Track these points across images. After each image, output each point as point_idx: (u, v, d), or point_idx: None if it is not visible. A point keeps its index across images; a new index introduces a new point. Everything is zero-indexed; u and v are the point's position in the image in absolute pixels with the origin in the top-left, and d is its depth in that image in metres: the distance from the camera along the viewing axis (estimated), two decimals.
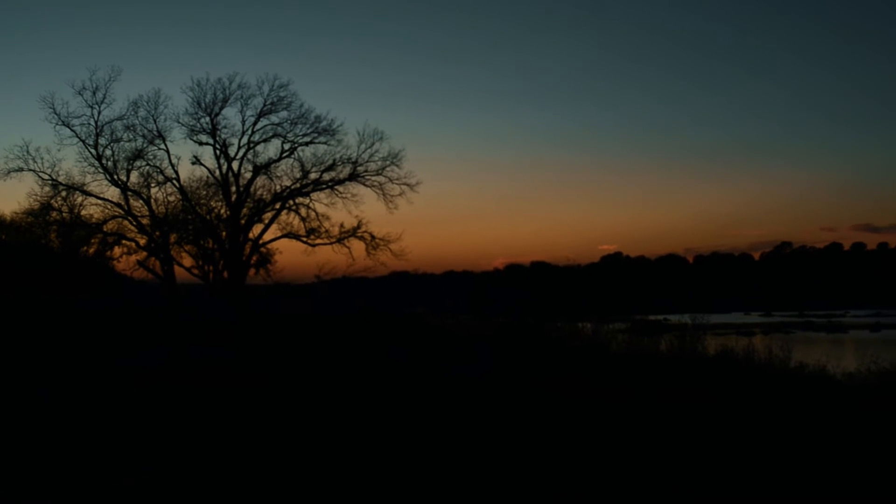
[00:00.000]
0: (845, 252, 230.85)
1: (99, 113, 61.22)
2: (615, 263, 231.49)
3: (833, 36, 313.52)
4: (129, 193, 62.62)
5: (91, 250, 66.67)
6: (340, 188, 63.40)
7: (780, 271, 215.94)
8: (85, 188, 62.36)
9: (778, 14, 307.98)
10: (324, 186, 63.54)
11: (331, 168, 63.24)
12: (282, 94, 62.49)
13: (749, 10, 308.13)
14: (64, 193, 62.85)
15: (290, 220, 64.59)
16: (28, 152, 60.67)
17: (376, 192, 63.73)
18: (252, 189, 63.85)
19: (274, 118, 62.96)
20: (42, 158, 61.44)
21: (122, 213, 63.14)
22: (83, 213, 64.15)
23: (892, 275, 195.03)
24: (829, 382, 26.41)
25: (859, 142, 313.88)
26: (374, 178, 63.38)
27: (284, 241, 65.27)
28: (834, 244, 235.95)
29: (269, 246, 66.10)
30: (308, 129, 62.98)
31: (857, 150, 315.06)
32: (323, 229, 64.35)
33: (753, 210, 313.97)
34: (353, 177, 63.20)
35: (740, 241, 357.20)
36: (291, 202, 64.04)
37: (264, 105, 62.32)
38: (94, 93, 60.59)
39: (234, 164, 63.27)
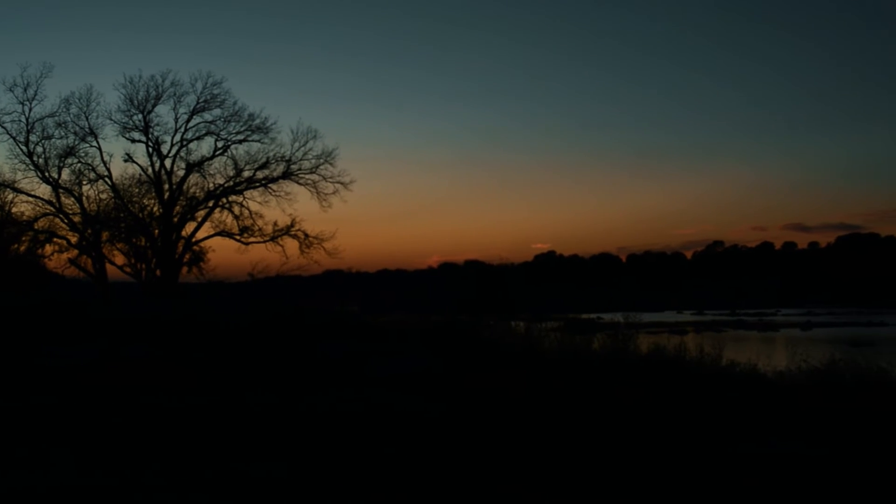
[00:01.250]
0: (776, 251, 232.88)
1: (30, 110, 60.47)
2: (549, 262, 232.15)
3: (772, 34, 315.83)
4: (61, 191, 61.95)
5: (22, 248, 65.96)
6: (274, 186, 63.11)
7: (713, 270, 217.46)
8: (15, 185, 61.64)
9: (718, 11, 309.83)
10: (257, 184, 63.22)
11: (264, 166, 62.93)
12: (215, 92, 62.09)
13: (689, 7, 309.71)
14: None
15: (224, 218, 64.24)
16: None
17: (310, 191, 63.50)
18: (185, 187, 63.42)
19: (207, 116, 62.55)
20: None
21: (54, 210, 62.45)
22: (14, 210, 63.45)
23: (822, 274, 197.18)
24: (759, 380, 26.60)
25: (789, 142, 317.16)
26: (307, 176, 63.16)
27: (217, 239, 64.90)
28: (765, 243, 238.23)
29: (201, 244, 65.71)
30: (241, 126, 62.65)
31: (788, 150, 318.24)
32: (256, 228, 64.05)
33: (686, 209, 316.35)
34: (287, 175, 62.94)
35: (673, 240, 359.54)
36: (225, 200, 63.68)
37: (197, 103, 61.88)
38: (24, 89, 59.85)
39: (167, 162, 62.81)
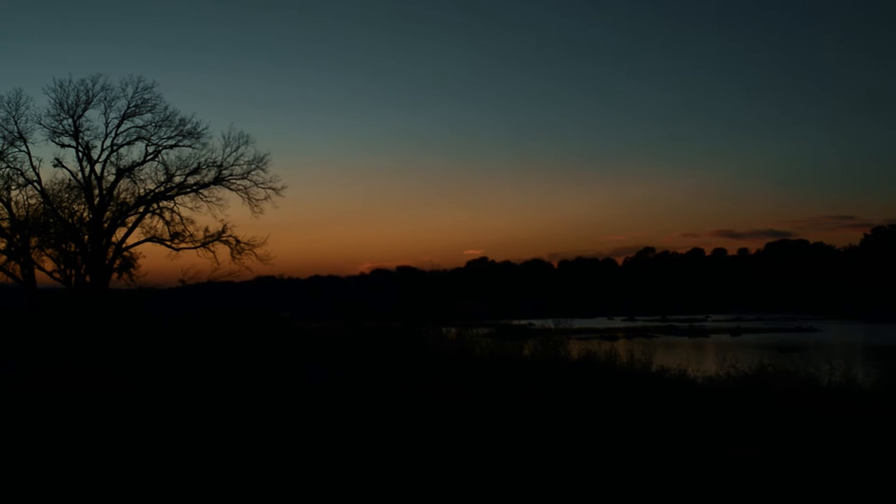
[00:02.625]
0: (707, 258, 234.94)
1: None
2: (481, 268, 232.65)
3: (707, 38, 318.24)
4: None
5: None
6: (205, 192, 62.94)
7: (644, 276, 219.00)
8: None
9: (652, 14, 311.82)
10: (188, 190, 62.98)
11: (196, 172, 62.72)
12: (146, 97, 61.80)
13: (621, 10, 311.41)
14: None
15: (154, 223, 63.95)
16: None
17: (241, 196, 63.42)
18: (115, 192, 63.05)
19: (138, 121, 62.26)
20: None
21: None
22: None
23: (752, 280, 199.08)
24: (689, 386, 26.76)
25: (720, 149, 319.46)
26: (239, 181, 63.05)
27: (148, 245, 64.65)
28: (696, 250, 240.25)
29: (132, 250, 65.37)
30: (173, 132, 62.40)
31: (719, 156, 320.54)
32: (187, 233, 63.84)
33: (618, 215, 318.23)
34: (219, 181, 62.75)
35: (605, 246, 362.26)
36: (155, 206, 63.34)
37: (128, 107, 61.57)
38: None
39: (98, 167, 62.47)
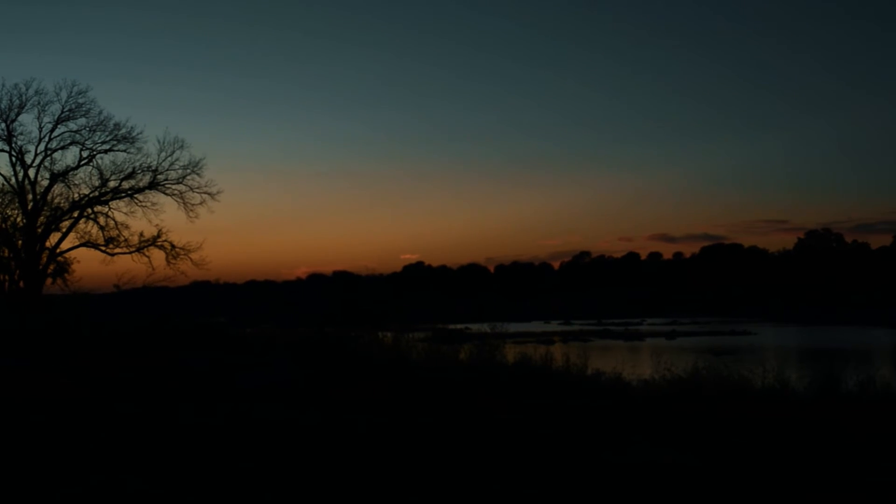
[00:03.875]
0: (642, 261, 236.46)
1: None
2: (417, 273, 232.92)
3: (636, 39, 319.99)
4: None
5: None
6: (140, 197, 62.35)
7: (580, 281, 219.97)
8: None
9: (592, 15, 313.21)
10: (123, 195, 62.40)
11: (130, 176, 62.14)
12: (80, 101, 61.16)
13: (560, 12, 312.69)
14: None
15: (89, 228, 63.29)
16: None
17: (177, 201, 62.89)
18: (49, 197, 62.35)
19: (72, 125, 61.59)
20: None
21: None
22: None
23: (687, 284, 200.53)
24: (624, 389, 26.91)
25: (654, 152, 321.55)
26: (174, 186, 62.54)
27: (83, 250, 63.91)
28: (631, 254, 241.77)
29: (66, 255, 64.67)
30: (107, 136, 61.81)
31: (653, 160, 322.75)
32: (122, 238, 63.21)
33: (554, 220, 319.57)
34: (153, 185, 62.24)
35: (541, 250, 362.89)
36: (90, 210, 62.73)
37: (62, 112, 60.88)
38: None
39: (31, 172, 61.67)
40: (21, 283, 62.07)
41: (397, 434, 18.10)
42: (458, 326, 75.27)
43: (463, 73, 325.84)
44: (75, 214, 62.75)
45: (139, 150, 62.47)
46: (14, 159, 61.42)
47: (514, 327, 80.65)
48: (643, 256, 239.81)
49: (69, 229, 62.85)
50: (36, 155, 61.53)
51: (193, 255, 64.06)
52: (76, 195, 62.69)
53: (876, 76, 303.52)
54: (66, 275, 65.02)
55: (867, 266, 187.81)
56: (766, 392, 25.14)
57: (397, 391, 25.27)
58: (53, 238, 62.97)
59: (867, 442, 17.45)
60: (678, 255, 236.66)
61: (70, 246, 63.82)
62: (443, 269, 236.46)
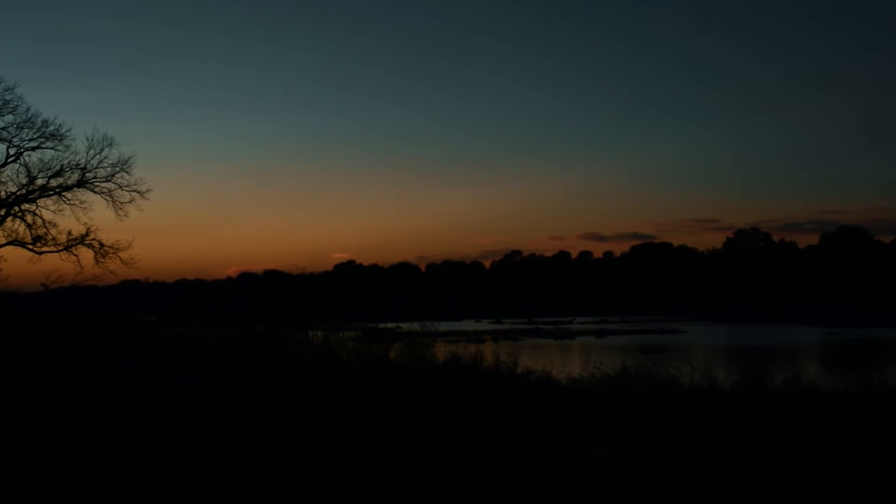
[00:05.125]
0: (573, 260, 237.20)
1: None
2: (348, 272, 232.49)
3: (570, 36, 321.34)
4: None
5: None
6: (68, 195, 61.48)
7: (511, 279, 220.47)
8: None
9: (524, 12, 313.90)
10: (51, 193, 61.55)
11: (58, 174, 61.29)
12: (7, 98, 60.25)
13: (488, 9, 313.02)
14: None
15: (16, 227, 62.30)
16: None
17: (105, 199, 62.02)
18: None
19: None
20: None
21: None
22: None
23: (617, 283, 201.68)
24: (553, 387, 27.01)
25: (586, 152, 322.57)
26: (103, 184, 61.68)
27: (9, 248, 62.88)
28: (562, 252, 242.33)
29: None
30: (35, 133, 60.88)
31: (583, 159, 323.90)
32: (50, 237, 62.26)
33: (485, 218, 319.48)
34: (82, 183, 61.43)
35: (472, 249, 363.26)
36: (17, 209, 61.84)
37: None
38: None
39: None
40: None
41: (322, 433, 18.06)
42: (390, 325, 75.28)
43: (394, 71, 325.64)
44: (2, 213, 61.93)
45: (67, 147, 61.59)
46: None
47: (445, 326, 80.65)
48: (574, 255, 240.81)
49: None
50: None
51: (123, 254, 63.25)
52: (3, 193, 61.81)
53: (810, 76, 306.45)
54: None
55: (794, 265, 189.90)
56: (695, 390, 25.35)
57: (327, 391, 25.22)
58: None
59: (793, 439, 17.63)
60: (608, 254, 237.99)
61: None
62: (374, 268, 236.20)
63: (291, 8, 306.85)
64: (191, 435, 17.71)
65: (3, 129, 60.55)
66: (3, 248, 63.31)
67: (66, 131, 61.24)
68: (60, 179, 61.26)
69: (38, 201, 61.81)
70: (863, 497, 13.00)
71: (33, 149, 61.02)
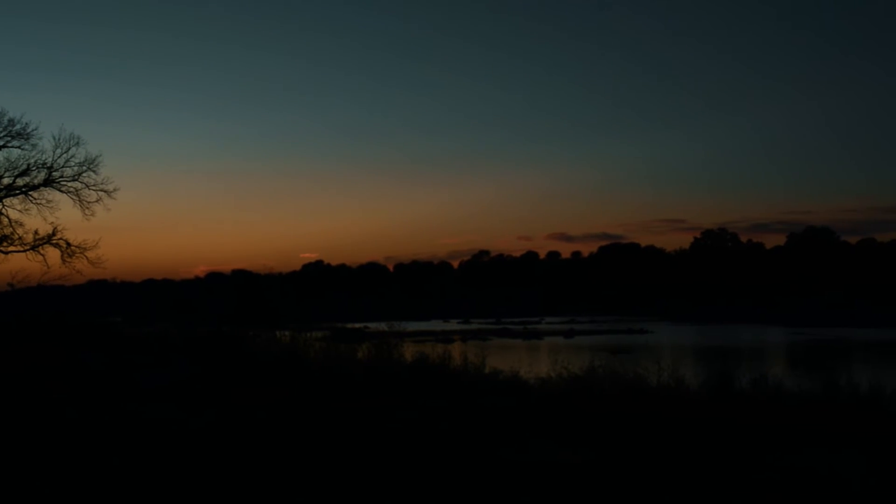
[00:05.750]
0: (541, 261, 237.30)
1: None
2: (316, 272, 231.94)
3: (537, 36, 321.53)
4: None
5: None
6: (35, 194, 61.15)
7: (479, 279, 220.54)
8: None
9: (491, 13, 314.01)
10: (17, 192, 61.22)
11: (25, 173, 60.95)
12: None
13: (457, 10, 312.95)
14: None
15: None
16: None
17: (73, 199, 61.70)
18: None
19: None
20: None
21: None
22: None
23: (585, 283, 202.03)
24: (522, 387, 27.02)
25: (554, 152, 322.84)
26: (70, 183, 61.38)
27: None
28: (530, 253, 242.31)
29: None
30: (1, 132, 60.71)
31: (551, 159, 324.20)
32: (16, 236, 61.97)
33: (453, 219, 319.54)
34: (49, 182, 61.12)
35: (440, 249, 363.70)
36: None
37: None
38: None
39: None
40: None
41: (289, 434, 18.03)
42: (358, 325, 75.18)
43: (362, 72, 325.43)
44: None
45: (34, 146, 61.33)
46: None
47: (413, 326, 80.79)
48: (542, 255, 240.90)
49: None
50: None
51: (90, 254, 62.97)
52: None
53: (776, 76, 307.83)
54: None
55: (762, 265, 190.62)
56: (662, 390, 25.39)
57: (294, 391, 25.16)
58: None
59: (758, 438, 17.71)
60: (576, 254, 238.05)
61: None
62: (342, 268, 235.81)
63: (257, 9, 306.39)
64: (160, 435, 17.66)
65: None
66: None
67: (33, 130, 60.94)
68: (27, 178, 60.91)
69: (4, 200, 61.47)
70: (823, 495, 13.07)
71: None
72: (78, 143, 61.72)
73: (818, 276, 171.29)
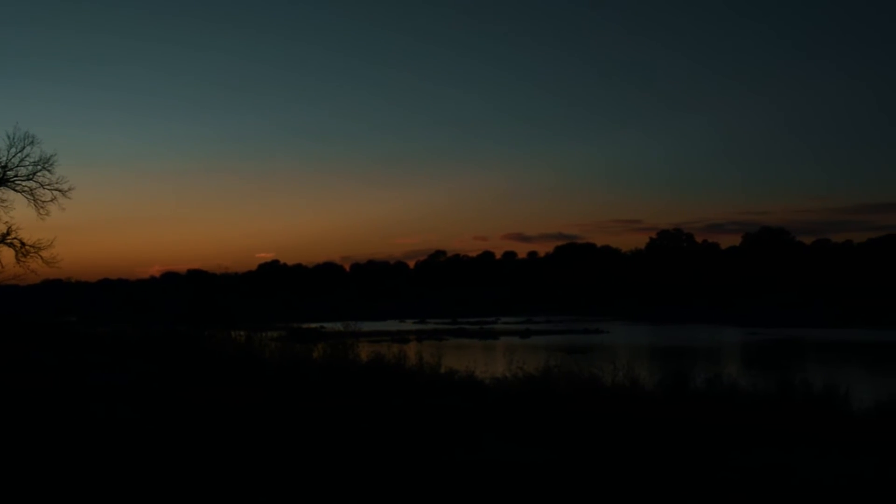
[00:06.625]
0: (497, 260, 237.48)
1: None
2: (272, 272, 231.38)
3: (493, 37, 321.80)
4: None
5: None
6: None
7: (435, 279, 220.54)
8: None
9: (453, 15, 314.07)
10: None
11: None
12: None
13: (419, 12, 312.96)
14: None
15: None
16: None
17: (27, 198, 61.32)
18: None
19: None
20: None
21: None
22: None
23: (541, 283, 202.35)
24: (477, 387, 27.02)
25: (510, 152, 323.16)
26: (24, 183, 60.97)
27: None
28: (486, 253, 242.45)
29: None
30: None
31: (508, 159, 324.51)
32: None
33: (410, 218, 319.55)
34: (3, 181, 60.68)
35: (396, 249, 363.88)
36: None
37: None
38: None
39: None
40: None
41: (240, 433, 17.96)
42: (313, 325, 75.02)
43: (316, 73, 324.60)
44: None
45: None
46: None
47: (369, 326, 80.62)
48: (498, 256, 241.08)
49: None
50: None
51: (44, 253, 62.59)
52: None
53: (733, 76, 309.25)
54: None
55: (717, 266, 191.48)
56: (617, 390, 25.44)
57: (250, 391, 25.08)
58: None
59: (712, 437, 17.77)
60: (533, 254, 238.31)
61: None
62: (298, 268, 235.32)
63: (210, 10, 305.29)
64: (109, 435, 17.54)
65: None
66: None
67: None
68: None
69: None
70: (779, 495, 13.12)
71: None
72: (32, 142, 61.29)
73: (773, 276, 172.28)
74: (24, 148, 60.69)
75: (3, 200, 60.99)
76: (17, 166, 60.56)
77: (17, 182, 60.77)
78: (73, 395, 24.27)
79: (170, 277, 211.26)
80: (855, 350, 72.00)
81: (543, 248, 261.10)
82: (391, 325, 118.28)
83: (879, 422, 20.73)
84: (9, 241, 61.77)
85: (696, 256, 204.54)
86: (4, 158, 60.58)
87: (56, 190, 61.68)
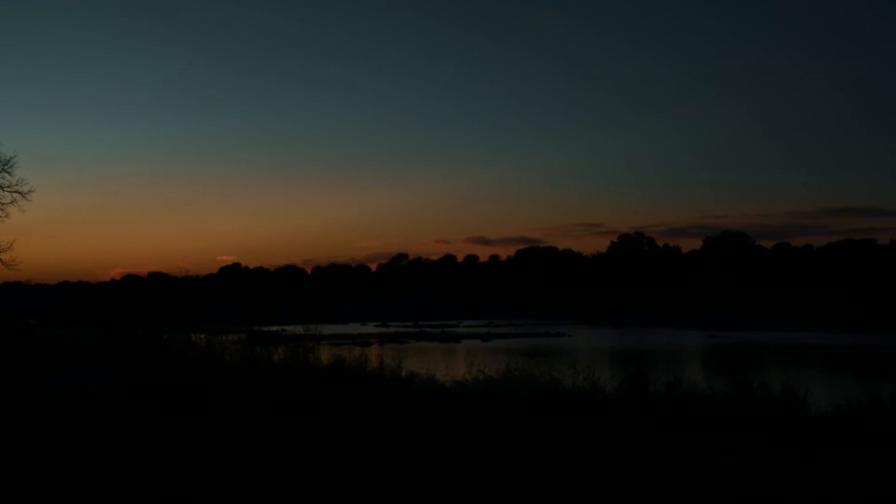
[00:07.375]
0: (459, 264, 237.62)
1: None
2: (234, 274, 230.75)
3: (447, 39, 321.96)
4: None
5: None
6: None
7: (397, 282, 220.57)
8: None
9: (411, 15, 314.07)
10: None
11: None
12: None
13: (373, 11, 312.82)
14: None
15: None
16: None
17: None
18: None
19: None
20: None
21: None
22: None
23: (502, 286, 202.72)
24: (438, 390, 27.06)
25: (472, 155, 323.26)
26: None
27: None
28: (448, 256, 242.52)
29: None
30: None
31: (470, 162, 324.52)
32: None
33: (371, 221, 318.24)
34: None
35: (358, 252, 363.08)
36: None
37: None
38: None
39: None
40: None
41: (198, 436, 17.93)
42: (275, 328, 75.03)
43: (277, 76, 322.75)
44: None
45: None
46: None
47: (330, 329, 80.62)
48: (460, 259, 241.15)
49: None
50: None
51: (3, 256, 62.13)
52: None
53: (695, 78, 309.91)
54: None
55: (678, 269, 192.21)
56: (577, 393, 25.54)
57: (209, 394, 25.03)
58: None
59: (671, 441, 17.85)
60: (494, 257, 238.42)
61: None
62: (260, 271, 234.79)
63: (173, 16, 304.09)
64: (63, 439, 17.49)
65: None
66: None
67: None
68: None
69: None
70: (740, 498, 13.21)
71: None
72: None
73: (734, 280, 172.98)
74: None
75: None
76: None
77: None
78: (25, 398, 24.15)
79: (130, 280, 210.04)
80: (814, 354, 72.45)
81: (505, 252, 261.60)
82: (353, 329, 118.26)
83: (836, 424, 20.91)
84: None
85: (657, 260, 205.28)
86: None
87: (16, 192, 61.18)
